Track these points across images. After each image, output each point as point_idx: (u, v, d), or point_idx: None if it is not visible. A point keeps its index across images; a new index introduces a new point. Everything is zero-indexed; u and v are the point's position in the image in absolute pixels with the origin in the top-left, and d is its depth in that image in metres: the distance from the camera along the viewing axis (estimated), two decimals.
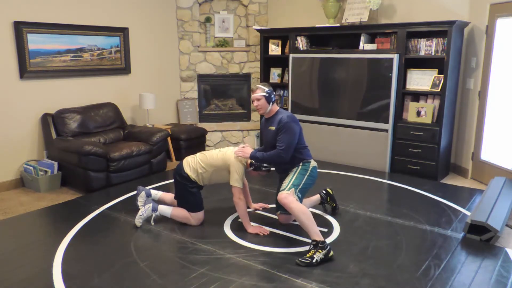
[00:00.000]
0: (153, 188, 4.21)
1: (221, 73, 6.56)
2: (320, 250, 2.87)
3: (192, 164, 3.43)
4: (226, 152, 3.42)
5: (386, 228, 3.47)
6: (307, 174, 3.27)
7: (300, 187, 3.19)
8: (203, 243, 3.18)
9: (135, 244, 3.18)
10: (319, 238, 2.93)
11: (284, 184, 3.19)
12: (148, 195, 3.75)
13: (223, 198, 4.08)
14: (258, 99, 3.29)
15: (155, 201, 3.75)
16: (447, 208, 3.89)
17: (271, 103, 3.31)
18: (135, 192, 3.81)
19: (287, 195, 3.07)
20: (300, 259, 2.87)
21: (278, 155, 3.20)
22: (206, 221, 3.55)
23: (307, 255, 2.88)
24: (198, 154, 3.53)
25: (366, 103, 5.09)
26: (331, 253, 2.92)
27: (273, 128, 3.29)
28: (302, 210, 3.00)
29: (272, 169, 3.48)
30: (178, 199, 3.55)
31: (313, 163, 3.36)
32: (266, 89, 3.29)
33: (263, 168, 3.39)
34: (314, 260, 2.84)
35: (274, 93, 3.34)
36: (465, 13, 4.82)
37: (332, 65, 5.28)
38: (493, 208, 3.49)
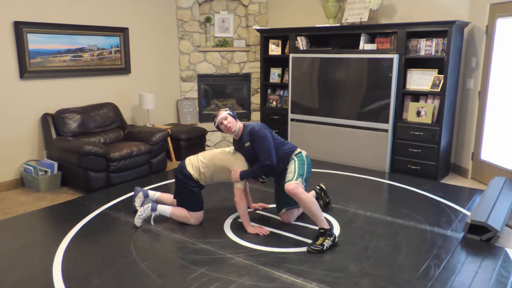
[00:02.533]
0: (153, 189, 4.22)
1: (221, 73, 6.56)
2: (328, 237, 3.05)
3: (195, 163, 3.44)
4: (228, 152, 3.43)
5: (386, 228, 3.46)
6: (305, 163, 3.35)
7: (304, 176, 3.28)
8: (203, 243, 3.18)
9: (135, 244, 3.18)
10: (326, 226, 3.10)
11: (290, 175, 3.22)
12: (146, 196, 3.75)
13: (223, 198, 4.08)
14: (226, 118, 3.33)
15: (153, 202, 3.74)
16: (447, 208, 3.89)
17: (237, 120, 3.37)
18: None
19: (297, 186, 3.12)
20: (311, 247, 3.01)
21: (264, 165, 3.26)
22: (206, 221, 3.55)
23: (317, 242, 3.03)
24: (200, 153, 3.54)
25: (366, 103, 5.09)
26: (336, 238, 3.13)
27: (248, 143, 3.33)
28: (311, 200, 3.11)
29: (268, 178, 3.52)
30: (179, 198, 3.55)
31: (303, 152, 3.46)
32: (227, 109, 3.39)
33: (260, 179, 3.45)
34: (324, 247, 3.00)
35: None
36: (465, 13, 4.82)
37: (332, 65, 5.28)
38: (493, 208, 3.49)
